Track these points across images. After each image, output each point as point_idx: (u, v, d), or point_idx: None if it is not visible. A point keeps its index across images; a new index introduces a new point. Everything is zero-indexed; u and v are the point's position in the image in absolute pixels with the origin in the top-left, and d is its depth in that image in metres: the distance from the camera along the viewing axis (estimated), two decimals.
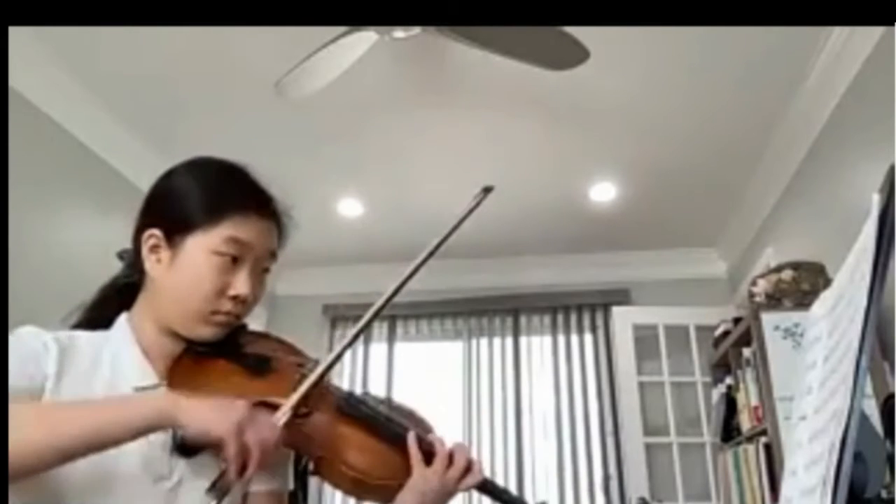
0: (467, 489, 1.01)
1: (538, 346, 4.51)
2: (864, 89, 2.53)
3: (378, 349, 4.61)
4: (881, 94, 2.32)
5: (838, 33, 2.52)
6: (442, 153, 3.44)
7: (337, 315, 4.61)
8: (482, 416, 4.33)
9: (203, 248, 0.94)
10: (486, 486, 1.03)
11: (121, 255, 1.04)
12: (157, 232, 0.97)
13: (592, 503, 4.08)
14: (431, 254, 0.95)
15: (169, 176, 1.03)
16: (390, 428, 1.00)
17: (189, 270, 0.94)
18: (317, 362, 1.01)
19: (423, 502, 0.97)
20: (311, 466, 0.98)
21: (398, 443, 0.99)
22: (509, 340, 4.52)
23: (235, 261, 0.96)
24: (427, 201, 3.91)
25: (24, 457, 0.75)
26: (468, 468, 1.00)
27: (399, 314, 4.64)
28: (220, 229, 0.95)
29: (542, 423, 4.29)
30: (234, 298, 0.95)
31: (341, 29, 2.23)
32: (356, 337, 1.01)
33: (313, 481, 4.15)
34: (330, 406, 1.00)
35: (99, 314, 1.01)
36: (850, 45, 2.51)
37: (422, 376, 4.52)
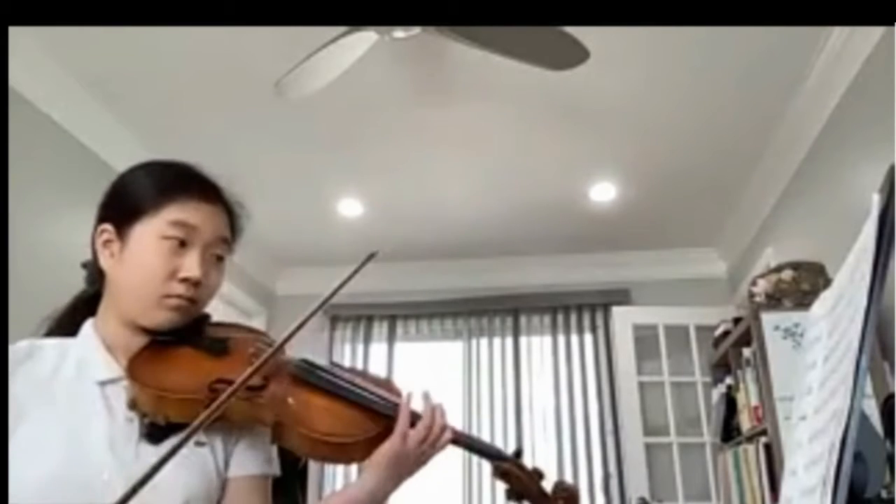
0: (443, 447, 1.04)
1: (538, 346, 4.51)
2: (864, 89, 2.53)
3: (378, 349, 4.62)
4: (881, 94, 2.32)
5: (838, 33, 2.52)
6: (442, 153, 3.44)
7: (337, 315, 4.61)
8: (482, 416, 4.34)
9: (150, 233, 0.97)
10: (461, 441, 1.07)
11: (84, 265, 1.06)
12: (108, 227, 1.00)
13: (592, 503, 4.08)
14: (315, 312, 0.97)
15: (120, 175, 1.06)
16: (345, 388, 1.02)
17: (138, 257, 0.97)
18: (273, 342, 1.04)
19: (399, 466, 1.00)
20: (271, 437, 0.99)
21: (354, 403, 1.02)
22: (509, 340, 4.52)
23: (184, 244, 0.98)
24: (427, 201, 3.91)
25: None
26: (443, 427, 1.03)
27: (399, 314, 4.64)
28: (165, 213, 0.97)
29: (543, 422, 4.30)
30: (185, 281, 0.97)
31: (341, 29, 2.23)
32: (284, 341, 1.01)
33: (312, 478, 4.15)
34: (284, 375, 1.01)
35: (69, 322, 1.04)
36: (850, 45, 2.51)
37: (422, 376, 4.52)
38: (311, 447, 0.97)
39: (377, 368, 4.53)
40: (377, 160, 3.52)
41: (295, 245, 4.39)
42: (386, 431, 1.01)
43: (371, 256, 1.04)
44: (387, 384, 1.11)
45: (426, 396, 1.07)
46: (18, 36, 2.51)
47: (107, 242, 0.99)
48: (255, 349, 1.02)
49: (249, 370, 0.89)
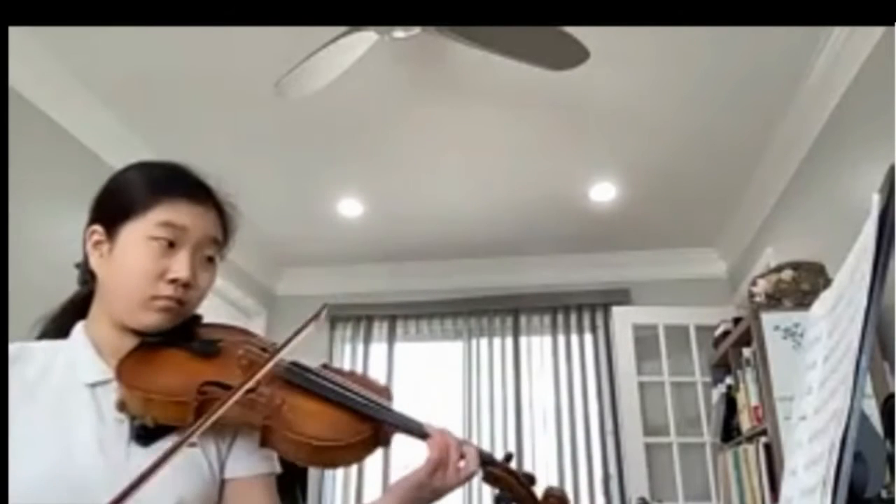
0: (469, 479, 1.01)
1: (538, 346, 4.51)
2: (864, 89, 2.53)
3: (378, 349, 4.62)
4: (881, 94, 2.32)
5: (838, 33, 2.52)
6: (442, 153, 3.44)
7: (337, 315, 4.61)
8: (482, 416, 4.33)
9: (138, 234, 0.96)
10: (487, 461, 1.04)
11: (77, 266, 1.06)
12: (98, 227, 0.99)
13: (592, 503, 4.08)
14: (277, 354, 0.97)
15: (110, 177, 1.05)
16: (333, 391, 1.01)
17: (127, 258, 0.96)
18: (271, 345, 1.03)
19: (421, 496, 0.98)
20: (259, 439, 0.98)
21: (344, 406, 1.00)
22: (509, 340, 4.52)
23: (172, 245, 0.97)
24: (427, 201, 3.91)
25: None
26: (463, 459, 1.00)
27: (399, 314, 4.64)
28: (153, 214, 0.97)
29: (542, 423, 4.29)
30: (174, 282, 0.96)
31: (341, 29, 2.23)
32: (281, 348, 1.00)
33: (313, 478, 4.15)
34: (274, 378, 1.00)
35: (61, 324, 1.03)
36: (850, 45, 2.51)
37: (422, 376, 4.53)
38: (297, 450, 0.95)
39: (377, 368, 4.53)
40: (377, 160, 3.52)
41: (295, 245, 4.39)
42: (374, 435, 0.99)
43: (324, 307, 1.02)
44: (384, 390, 1.10)
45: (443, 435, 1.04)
46: (19, 36, 2.51)
47: (97, 243, 0.99)
48: (244, 351, 1.01)
49: (249, 378, 0.88)
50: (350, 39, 2.23)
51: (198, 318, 1.04)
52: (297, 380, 1.01)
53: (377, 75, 2.77)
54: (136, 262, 0.95)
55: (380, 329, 4.65)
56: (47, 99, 2.79)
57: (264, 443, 0.96)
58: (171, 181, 1.01)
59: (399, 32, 2.18)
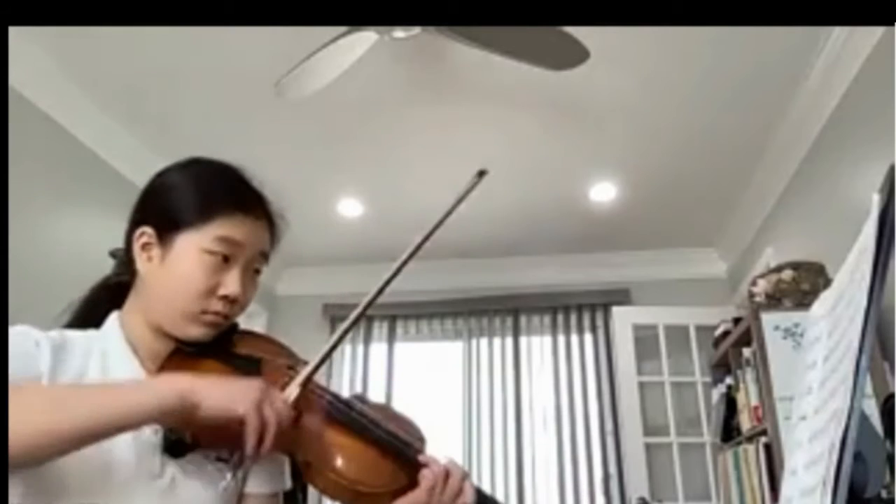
0: None
1: (538, 346, 4.51)
2: (864, 89, 2.53)
3: (378, 349, 4.62)
4: (881, 94, 2.32)
5: (838, 33, 2.52)
6: (442, 153, 3.44)
7: (337, 315, 4.61)
8: (482, 416, 4.33)
9: (194, 246, 0.94)
10: (481, 501, 1.01)
11: (113, 254, 1.04)
12: (148, 230, 0.96)
13: (592, 503, 4.08)
14: (429, 236, 0.93)
15: (162, 174, 1.02)
16: (382, 437, 0.98)
17: (179, 268, 0.94)
18: (306, 363, 1.00)
19: None
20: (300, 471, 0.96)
21: (388, 451, 0.97)
22: (509, 340, 4.52)
23: (226, 260, 0.95)
24: (427, 201, 3.91)
25: (28, 436, 0.72)
26: (461, 489, 0.98)
27: (399, 314, 4.64)
28: (212, 228, 0.94)
29: (542, 423, 4.29)
30: (224, 298, 0.95)
31: (341, 29, 2.23)
32: (358, 319, 0.98)
33: None
34: (318, 409, 0.98)
35: (90, 313, 1.01)
36: (850, 45, 2.51)
37: (422, 376, 4.53)
38: (337, 490, 0.93)
39: (377, 368, 4.54)
40: (377, 160, 3.52)
41: (295, 245, 4.39)
42: (410, 483, 0.97)
43: (483, 174, 1.00)
44: (409, 425, 1.07)
45: (451, 461, 1.02)
46: (19, 36, 2.51)
47: (146, 245, 0.96)
48: (286, 370, 0.98)
49: (301, 375, 0.88)
50: (350, 39, 2.23)
51: (234, 326, 1.02)
52: (342, 417, 0.98)
53: (377, 75, 2.77)
54: (190, 275, 0.93)
55: (380, 329, 4.65)
56: (47, 99, 2.79)
57: (305, 477, 0.94)
58: (232, 194, 0.99)
59: (399, 32, 2.18)
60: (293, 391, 0.91)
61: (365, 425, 0.98)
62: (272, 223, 1.04)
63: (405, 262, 0.91)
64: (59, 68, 2.75)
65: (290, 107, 2.80)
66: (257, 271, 1.02)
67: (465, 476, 1.00)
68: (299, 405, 0.94)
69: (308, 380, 0.94)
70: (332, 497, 0.95)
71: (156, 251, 0.96)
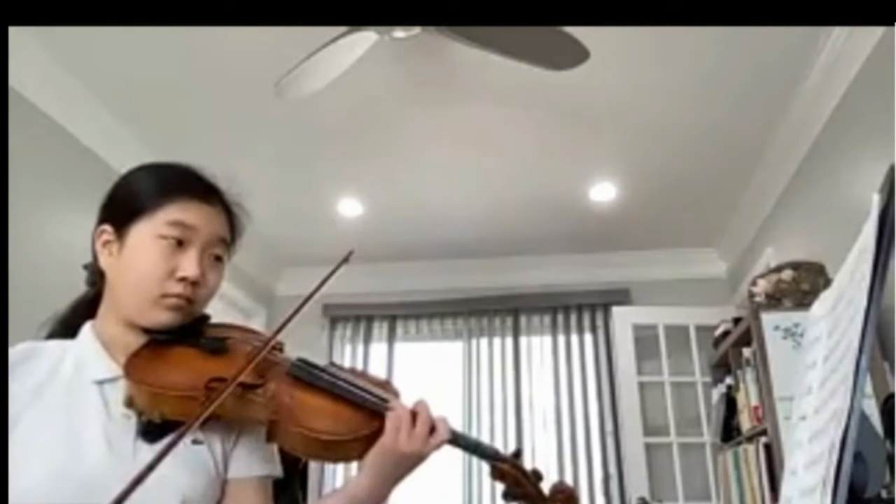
0: (438, 447, 1.01)
1: (538, 346, 4.51)
2: (864, 89, 2.53)
3: (378, 349, 4.62)
4: (881, 94, 2.32)
5: (838, 33, 2.52)
6: (442, 153, 3.44)
7: (337, 315, 4.62)
8: (482, 416, 4.34)
9: (148, 233, 0.98)
10: (457, 441, 1.04)
11: (85, 267, 1.07)
12: (107, 227, 1.01)
13: (592, 503, 4.08)
14: (302, 305, 0.99)
15: (120, 177, 1.07)
16: (344, 387, 1.01)
17: (136, 256, 0.97)
18: (281, 343, 1.04)
19: (396, 464, 0.98)
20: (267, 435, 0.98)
21: (352, 401, 1.00)
22: (509, 340, 4.52)
23: (182, 244, 0.98)
24: (427, 201, 3.91)
25: None
26: (432, 428, 1.00)
27: (399, 314, 4.64)
28: (163, 213, 0.98)
29: (542, 423, 4.29)
30: (183, 280, 0.97)
31: (341, 29, 2.23)
32: (295, 313, 1.02)
33: (313, 478, 4.15)
34: (281, 374, 1.01)
35: (70, 325, 1.04)
36: (850, 45, 2.51)
37: (422, 376, 4.52)
38: (305, 445, 0.96)
39: (377, 368, 4.53)
40: (377, 160, 3.52)
41: (295, 245, 4.39)
42: (381, 430, 1.00)
43: (349, 255, 1.04)
44: (385, 384, 1.10)
45: (421, 403, 1.05)
46: (19, 36, 2.51)
47: (106, 243, 1.00)
48: (252, 348, 1.02)
49: (243, 366, 0.90)
50: (350, 39, 2.23)
51: (206, 317, 1.05)
52: (304, 375, 1.02)
53: (377, 75, 2.77)
54: (145, 260, 0.97)
55: (380, 329, 4.65)
56: (47, 99, 2.78)
57: (271, 437, 0.97)
58: (181, 182, 1.02)
59: (399, 32, 2.18)
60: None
61: (328, 380, 1.02)
62: (229, 212, 1.07)
63: (279, 330, 0.97)
64: (60, 68, 2.75)
65: (291, 106, 2.80)
66: (219, 258, 1.04)
67: (439, 418, 1.02)
68: (265, 372, 0.98)
69: (265, 348, 0.97)
70: (301, 452, 0.98)
71: (115, 246, 1.00)
